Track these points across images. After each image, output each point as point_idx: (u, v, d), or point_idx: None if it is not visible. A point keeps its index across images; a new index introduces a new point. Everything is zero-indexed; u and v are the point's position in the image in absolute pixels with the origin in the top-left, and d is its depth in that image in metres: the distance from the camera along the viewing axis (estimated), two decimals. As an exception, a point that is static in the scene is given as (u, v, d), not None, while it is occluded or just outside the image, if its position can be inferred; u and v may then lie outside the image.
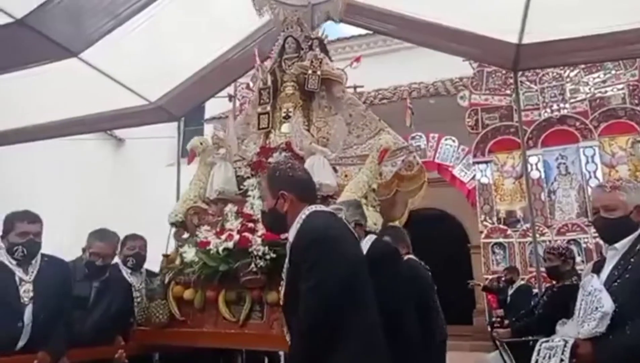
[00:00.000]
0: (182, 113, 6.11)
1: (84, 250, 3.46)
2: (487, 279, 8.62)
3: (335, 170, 3.79)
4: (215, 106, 9.66)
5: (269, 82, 4.27)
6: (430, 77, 10.11)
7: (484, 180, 9.48)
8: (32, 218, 2.83)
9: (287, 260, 2.07)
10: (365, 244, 2.78)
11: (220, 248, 3.09)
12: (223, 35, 5.15)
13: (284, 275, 2.13)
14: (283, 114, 4.18)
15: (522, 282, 7.39)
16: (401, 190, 4.06)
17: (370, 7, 4.53)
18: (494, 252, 9.09)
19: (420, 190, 4.07)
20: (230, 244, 3.08)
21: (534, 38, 4.04)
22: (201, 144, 4.00)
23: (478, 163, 9.58)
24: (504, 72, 9.16)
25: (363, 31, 9.85)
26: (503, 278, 7.53)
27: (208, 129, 9.36)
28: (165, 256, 3.64)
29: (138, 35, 4.62)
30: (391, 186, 4.00)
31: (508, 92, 9.48)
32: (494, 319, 7.34)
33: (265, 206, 2.22)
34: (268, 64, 4.68)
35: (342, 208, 2.85)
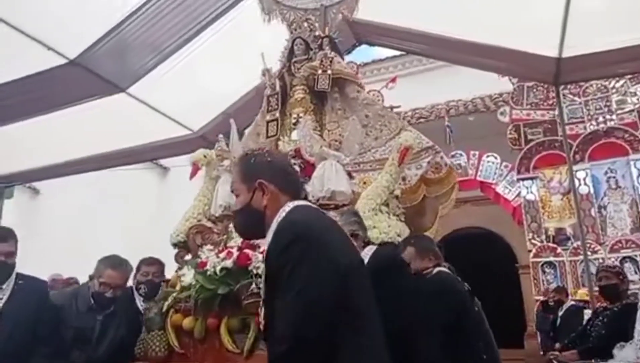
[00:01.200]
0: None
1: (91, 277, 3.09)
2: (537, 300, 8.28)
3: (351, 176, 3.41)
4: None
5: (277, 88, 3.98)
6: (468, 94, 9.99)
7: (530, 197, 9.18)
8: (2, 236, 2.53)
9: (263, 275, 1.66)
10: (364, 256, 2.38)
11: (218, 268, 2.68)
12: (260, 65, 5.31)
13: (262, 293, 1.72)
14: (293, 121, 3.86)
15: (572, 303, 7.06)
16: (429, 196, 3.58)
17: (403, 29, 4.57)
18: (544, 272, 8.73)
19: (451, 194, 3.63)
20: (228, 263, 2.67)
21: (574, 51, 3.97)
22: (205, 157, 3.68)
23: (523, 179, 9.30)
24: (545, 85, 8.95)
25: (397, 52, 9.90)
26: (551, 299, 7.23)
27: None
28: (165, 281, 3.22)
29: (180, 69, 4.85)
30: (417, 192, 3.52)
31: (551, 105, 9.24)
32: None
33: (236, 204, 1.72)
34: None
35: (337, 216, 2.51)
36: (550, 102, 9.21)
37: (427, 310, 2.37)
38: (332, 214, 2.52)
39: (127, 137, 5.80)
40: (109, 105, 4.94)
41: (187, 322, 2.78)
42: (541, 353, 7.13)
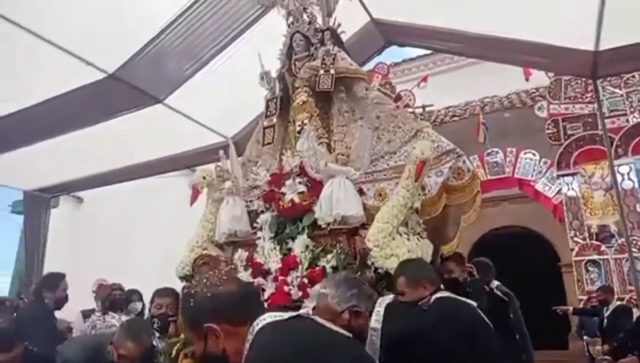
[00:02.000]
0: (257, 147, 6.38)
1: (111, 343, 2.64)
2: (581, 300, 8.02)
3: (362, 193, 3.11)
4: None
5: (277, 91, 3.64)
6: (503, 90, 9.79)
7: (571, 194, 8.91)
8: None
9: None
10: (375, 327, 2.14)
11: None
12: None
13: None
14: (297, 128, 3.48)
15: (619, 303, 6.80)
16: (452, 204, 3.22)
17: (434, 28, 4.51)
18: (587, 270, 8.44)
19: (474, 203, 3.24)
20: None
21: (611, 43, 3.83)
22: (204, 178, 3.39)
23: (563, 175, 9.03)
24: (583, 78, 8.67)
25: (429, 50, 9.79)
26: (596, 299, 6.98)
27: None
28: (173, 321, 2.93)
29: (215, 76, 4.95)
30: (439, 202, 3.13)
31: (590, 99, 8.94)
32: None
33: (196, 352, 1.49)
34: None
35: (329, 290, 2.10)
36: (589, 95, 8.92)
37: (433, 344, 2.11)
38: (320, 288, 2.23)
39: (164, 146, 5.97)
40: (146, 115, 5.10)
41: None
42: (586, 354, 6.92)
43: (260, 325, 1.36)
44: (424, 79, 9.20)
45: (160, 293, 3.07)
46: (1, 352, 2.33)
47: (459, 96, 10.00)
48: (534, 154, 9.43)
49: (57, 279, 3.67)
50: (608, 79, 8.54)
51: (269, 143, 3.51)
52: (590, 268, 8.42)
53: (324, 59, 3.48)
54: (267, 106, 3.63)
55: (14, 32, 3.75)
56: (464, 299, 2.50)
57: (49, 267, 6.22)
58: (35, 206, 6.74)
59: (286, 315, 1.43)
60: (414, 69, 10.77)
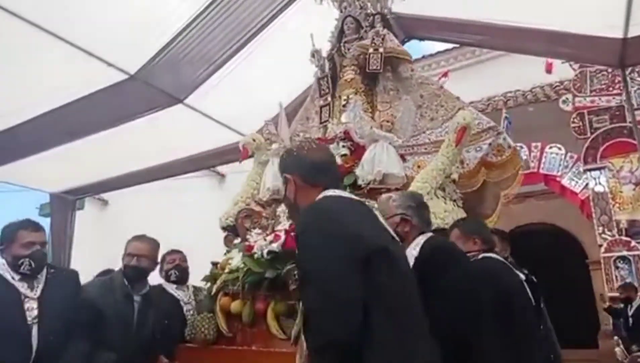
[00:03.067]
0: (277, 145, 6.39)
1: (122, 259, 3.06)
2: (610, 297, 7.81)
3: (404, 159, 3.23)
4: (307, 136, 9.98)
5: (327, 70, 3.88)
6: (527, 84, 9.60)
7: (599, 188, 8.68)
8: (36, 226, 2.51)
9: None
10: (416, 246, 2.21)
11: (265, 251, 2.64)
12: (309, 68, 5.35)
13: None
14: (343, 103, 3.70)
15: (645, 300, 6.59)
16: (490, 180, 3.33)
17: (457, 20, 4.42)
18: (617, 267, 8.21)
19: (514, 180, 3.36)
20: (275, 246, 2.61)
21: (641, 30, 3.70)
22: (254, 140, 3.67)
23: (590, 170, 8.81)
24: (609, 70, 8.43)
25: (449, 45, 9.66)
26: (618, 299, 6.78)
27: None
28: (214, 264, 3.19)
29: (232, 77, 4.97)
30: (477, 176, 3.27)
31: (617, 91, 8.69)
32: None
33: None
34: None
35: (397, 196, 2.31)
36: (616, 87, 8.68)
37: (469, 298, 2.10)
38: (391, 194, 2.46)
39: (185, 146, 6.02)
40: (167, 116, 5.14)
41: (234, 306, 2.74)
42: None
43: (326, 193, 1.66)
44: (445, 74, 9.08)
45: (169, 252, 3.43)
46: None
47: (480, 91, 9.85)
48: (559, 149, 9.23)
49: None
50: (636, 70, 8.30)
51: (326, 121, 3.70)
52: (619, 265, 8.20)
53: (373, 39, 3.70)
54: (319, 85, 3.89)
55: (39, 36, 3.81)
56: (512, 267, 2.55)
57: (74, 268, 6.32)
58: (61, 208, 6.85)
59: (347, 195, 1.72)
60: (433, 65, 10.64)
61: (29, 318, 2.34)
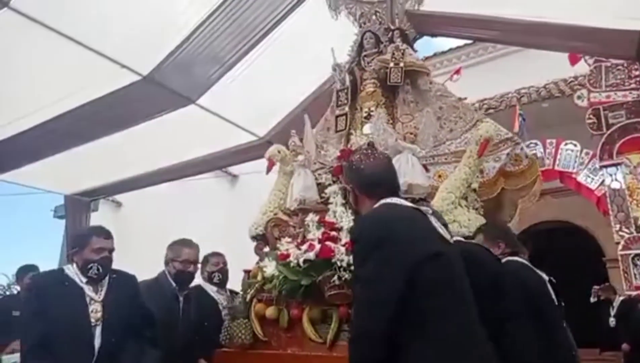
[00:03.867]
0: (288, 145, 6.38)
1: (166, 263, 3.26)
2: (629, 296, 7.67)
3: (427, 169, 3.38)
4: (319, 135, 9.97)
5: (347, 82, 4.00)
6: (540, 80, 9.48)
7: (615, 185, 8.53)
8: (107, 233, 2.64)
9: None
10: None
11: (301, 260, 2.75)
12: (319, 67, 5.34)
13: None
14: (364, 114, 3.86)
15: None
16: (508, 188, 3.47)
17: (470, 16, 4.38)
18: (635, 265, 8.07)
19: (532, 188, 3.48)
20: (311, 255, 2.73)
21: (660, 21, 3.62)
22: (279, 152, 3.83)
23: (606, 166, 8.66)
24: (625, 64, 8.29)
25: (461, 42, 9.58)
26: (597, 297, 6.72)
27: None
28: (247, 272, 3.33)
29: (244, 78, 4.98)
30: (496, 185, 3.41)
31: (633, 85, 8.54)
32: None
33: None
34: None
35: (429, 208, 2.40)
36: (632, 81, 8.52)
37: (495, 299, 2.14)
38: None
39: (198, 147, 6.04)
40: (180, 117, 5.16)
41: (270, 311, 2.88)
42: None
43: (383, 201, 1.77)
44: (457, 71, 9.00)
45: (213, 254, 3.55)
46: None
47: (493, 88, 9.77)
48: (574, 145, 9.09)
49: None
50: (654, 62, 8.16)
51: (342, 130, 3.86)
52: (638, 262, 8.06)
53: (393, 54, 3.87)
54: (338, 96, 4.01)
55: (53, 39, 3.85)
56: (536, 269, 2.66)
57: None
58: (76, 209, 6.93)
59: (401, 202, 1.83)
60: (445, 62, 10.57)
61: (92, 320, 2.45)
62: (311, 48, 5.08)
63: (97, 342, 2.43)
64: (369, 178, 1.87)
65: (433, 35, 4.70)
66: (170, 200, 9.84)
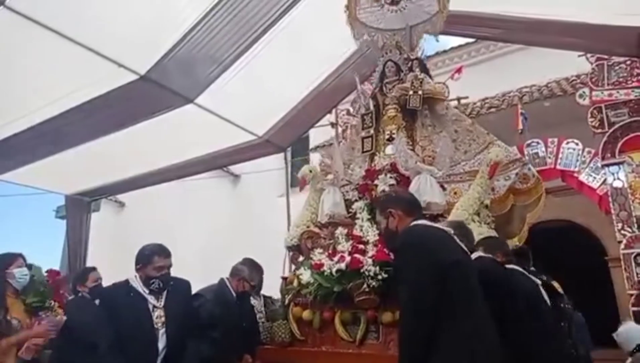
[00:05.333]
0: (287, 144, 6.39)
1: (232, 275, 3.66)
2: (631, 295, 7.63)
3: (444, 188, 3.75)
4: (318, 135, 9.91)
5: (371, 107, 4.39)
6: (542, 79, 9.44)
7: (617, 184, 8.46)
8: (167, 253, 3.01)
9: None
10: None
11: (334, 269, 3.17)
12: (318, 65, 5.32)
13: None
14: (387, 137, 4.25)
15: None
16: (517, 205, 3.92)
17: (473, 14, 4.41)
18: (637, 264, 8.03)
19: (538, 204, 3.92)
20: (342, 265, 3.14)
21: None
22: (310, 171, 4.25)
23: (608, 165, 8.60)
24: (627, 62, 8.24)
25: (462, 41, 9.55)
26: None
27: (314, 158, 9.63)
28: (284, 278, 3.88)
29: (241, 77, 4.96)
30: (506, 202, 3.86)
31: (635, 83, 8.48)
32: None
33: (382, 230, 2.50)
34: (368, 88, 4.73)
35: (450, 228, 2.65)
36: (635, 79, 8.46)
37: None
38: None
39: (198, 146, 6.02)
40: (179, 116, 5.14)
41: (306, 314, 3.40)
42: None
43: (417, 222, 2.25)
44: (458, 70, 8.97)
45: (257, 271, 3.82)
46: None
47: (495, 87, 9.74)
48: (576, 144, 9.03)
49: (85, 272, 4.03)
50: (657, 58, 8.10)
51: (368, 151, 4.24)
52: (640, 261, 8.02)
53: (412, 82, 4.24)
54: (363, 120, 4.40)
55: (51, 38, 3.83)
56: (531, 276, 2.93)
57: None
58: (76, 209, 6.91)
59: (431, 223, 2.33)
60: (447, 61, 10.53)
61: (156, 325, 2.85)
62: (310, 46, 5.07)
63: (161, 343, 2.83)
64: (409, 201, 2.42)
65: (434, 36, 4.67)
66: (173, 201, 9.85)
